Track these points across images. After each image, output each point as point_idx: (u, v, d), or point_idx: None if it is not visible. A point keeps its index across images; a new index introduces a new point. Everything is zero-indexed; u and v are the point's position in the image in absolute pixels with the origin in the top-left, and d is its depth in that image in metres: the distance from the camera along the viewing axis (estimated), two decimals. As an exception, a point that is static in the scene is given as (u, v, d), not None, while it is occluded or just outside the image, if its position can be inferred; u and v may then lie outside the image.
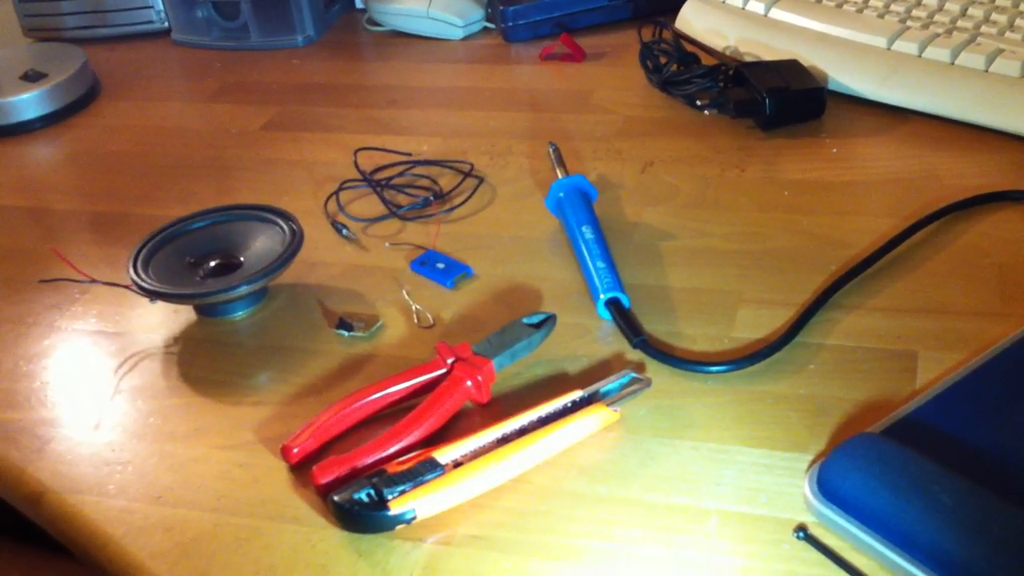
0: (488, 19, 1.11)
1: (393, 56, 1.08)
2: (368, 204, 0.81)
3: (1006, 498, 0.47)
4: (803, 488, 0.52)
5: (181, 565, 0.53)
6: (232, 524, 0.55)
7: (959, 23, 0.86)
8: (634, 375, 0.60)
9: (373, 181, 0.83)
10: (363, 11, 1.17)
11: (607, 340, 0.65)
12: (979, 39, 0.84)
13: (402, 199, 0.81)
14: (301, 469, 0.58)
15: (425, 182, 0.83)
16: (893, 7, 0.90)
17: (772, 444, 0.56)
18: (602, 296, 0.66)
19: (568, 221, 0.73)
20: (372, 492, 0.53)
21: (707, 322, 0.65)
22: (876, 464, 0.50)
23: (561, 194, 0.74)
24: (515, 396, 0.61)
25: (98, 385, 0.66)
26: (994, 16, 0.86)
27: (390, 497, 0.53)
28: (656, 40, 0.95)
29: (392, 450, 0.56)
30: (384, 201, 0.81)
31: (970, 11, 0.87)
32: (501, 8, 1.06)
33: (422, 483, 0.53)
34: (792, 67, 0.86)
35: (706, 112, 0.86)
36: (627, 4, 1.07)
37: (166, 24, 1.18)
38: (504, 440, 0.56)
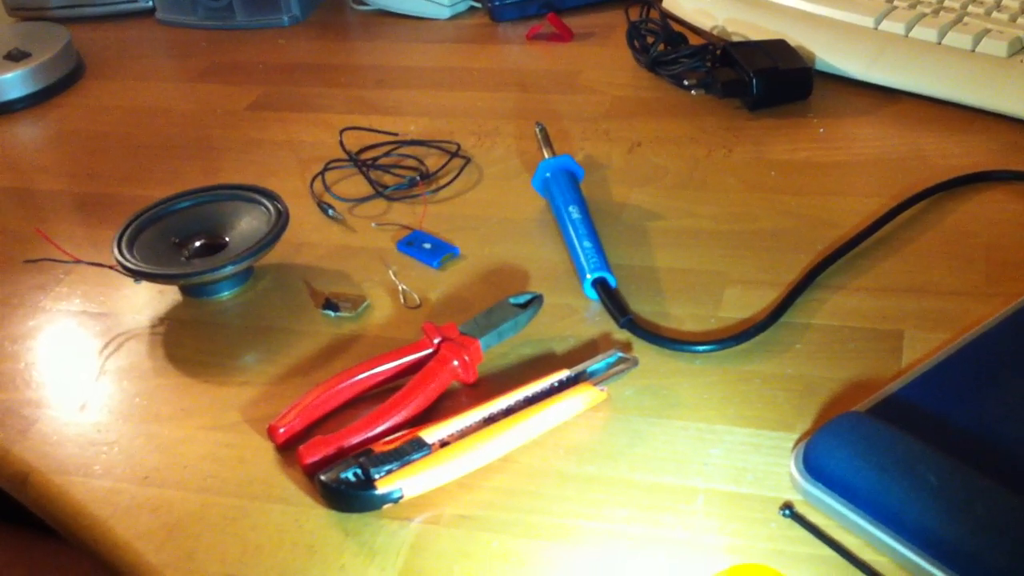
0: (475, -2, 1.10)
1: (379, 35, 1.08)
2: (354, 184, 0.81)
3: (990, 476, 0.48)
4: (789, 466, 0.52)
5: (167, 545, 0.53)
6: (219, 504, 0.55)
7: (946, 3, 0.86)
8: (621, 355, 0.60)
9: (359, 161, 0.83)
10: (349, -10, 1.17)
11: (594, 320, 0.65)
12: (966, 19, 0.84)
13: (388, 179, 0.81)
14: (288, 449, 0.58)
15: (412, 162, 0.83)
16: (881, -13, 0.90)
17: (759, 423, 0.56)
18: (589, 276, 0.66)
19: (555, 201, 0.73)
20: (359, 472, 0.53)
21: (694, 302, 0.65)
22: (862, 443, 0.50)
23: (548, 174, 0.74)
24: (502, 376, 0.61)
25: (84, 366, 0.66)
26: (981, -4, 0.86)
27: (377, 477, 0.53)
28: (643, 20, 0.94)
29: (379, 430, 0.56)
30: (370, 181, 0.80)
31: (957, -9, 0.87)
32: (488, -13, 1.06)
33: (409, 463, 0.53)
34: (779, 47, 0.86)
35: (693, 92, 0.86)
36: (614, -16, 1.07)
37: (151, 3, 1.17)
38: (491, 420, 0.56)
